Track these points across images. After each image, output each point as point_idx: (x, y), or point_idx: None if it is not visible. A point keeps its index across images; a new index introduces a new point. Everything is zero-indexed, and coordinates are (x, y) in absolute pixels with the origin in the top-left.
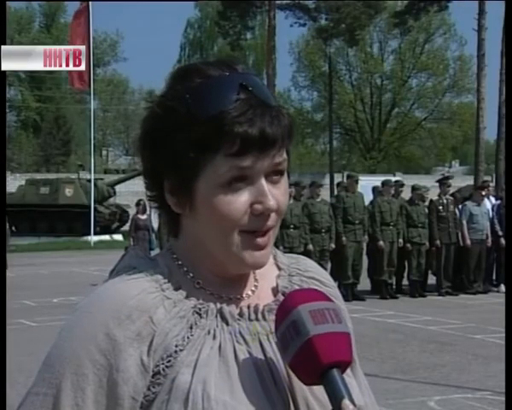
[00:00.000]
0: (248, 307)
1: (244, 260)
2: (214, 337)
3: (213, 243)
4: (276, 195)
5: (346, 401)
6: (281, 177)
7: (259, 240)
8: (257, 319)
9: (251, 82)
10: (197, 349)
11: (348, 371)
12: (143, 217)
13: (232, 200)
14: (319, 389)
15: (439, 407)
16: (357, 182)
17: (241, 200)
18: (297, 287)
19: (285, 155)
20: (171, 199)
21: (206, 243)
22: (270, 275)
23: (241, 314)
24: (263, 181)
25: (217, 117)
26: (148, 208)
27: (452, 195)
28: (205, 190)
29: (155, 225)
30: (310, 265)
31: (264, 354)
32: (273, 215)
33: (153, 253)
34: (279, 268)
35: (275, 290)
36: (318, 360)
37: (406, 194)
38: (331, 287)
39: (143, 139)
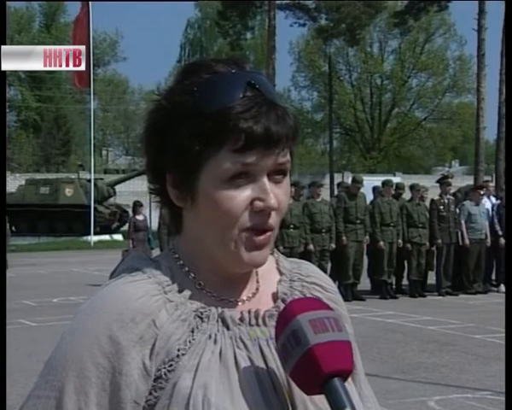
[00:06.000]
0: (249, 311)
1: (241, 258)
2: (215, 342)
3: (211, 239)
4: (278, 194)
5: None
6: (283, 177)
7: (258, 239)
8: (257, 324)
9: (258, 81)
10: (198, 354)
11: None
12: (141, 218)
13: (233, 195)
14: (318, 396)
15: (439, 407)
16: (359, 188)
17: (242, 196)
18: (298, 292)
19: (289, 157)
20: (172, 192)
21: (205, 238)
22: (272, 280)
23: (241, 319)
24: (265, 179)
25: (222, 112)
26: (143, 209)
27: (454, 195)
28: (207, 184)
29: (154, 224)
30: (312, 270)
31: (264, 360)
32: (273, 214)
33: (153, 252)
34: (281, 273)
35: (275, 296)
36: (319, 370)
37: (406, 195)
38: (332, 292)
39: (148, 132)
